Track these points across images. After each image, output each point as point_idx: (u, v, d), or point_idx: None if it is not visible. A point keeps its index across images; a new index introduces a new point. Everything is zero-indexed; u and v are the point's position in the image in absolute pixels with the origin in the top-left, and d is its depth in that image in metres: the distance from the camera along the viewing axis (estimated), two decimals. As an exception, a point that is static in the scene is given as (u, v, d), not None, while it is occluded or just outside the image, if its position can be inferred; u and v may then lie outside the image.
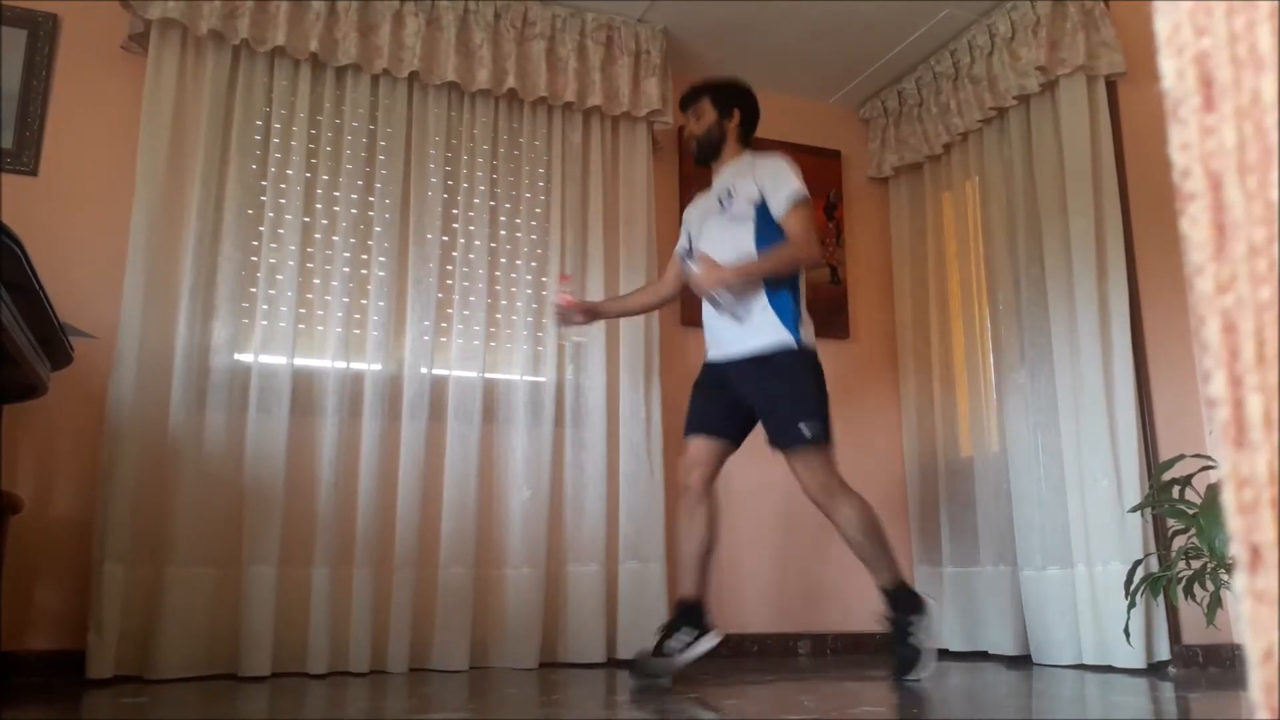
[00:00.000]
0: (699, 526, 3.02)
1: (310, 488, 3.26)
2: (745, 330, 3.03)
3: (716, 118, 3.25)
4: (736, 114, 3.27)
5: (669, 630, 2.96)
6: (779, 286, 3.03)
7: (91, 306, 3.14)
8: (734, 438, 3.13)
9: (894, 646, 2.96)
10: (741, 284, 2.98)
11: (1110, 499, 3.24)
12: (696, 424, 3.13)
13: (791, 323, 3.01)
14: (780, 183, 3.07)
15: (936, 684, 2.95)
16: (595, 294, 3.77)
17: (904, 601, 2.96)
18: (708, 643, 2.96)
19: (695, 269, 2.98)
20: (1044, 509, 3.52)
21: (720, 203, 3.14)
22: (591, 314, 3.35)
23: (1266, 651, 0.39)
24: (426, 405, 3.45)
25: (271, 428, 3.23)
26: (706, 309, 3.16)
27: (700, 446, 3.09)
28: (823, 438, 2.95)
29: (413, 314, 3.50)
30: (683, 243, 3.35)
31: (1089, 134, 3.50)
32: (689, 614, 2.98)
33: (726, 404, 3.09)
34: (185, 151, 3.32)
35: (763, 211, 3.07)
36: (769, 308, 3.00)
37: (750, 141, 3.31)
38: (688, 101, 3.32)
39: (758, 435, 3.09)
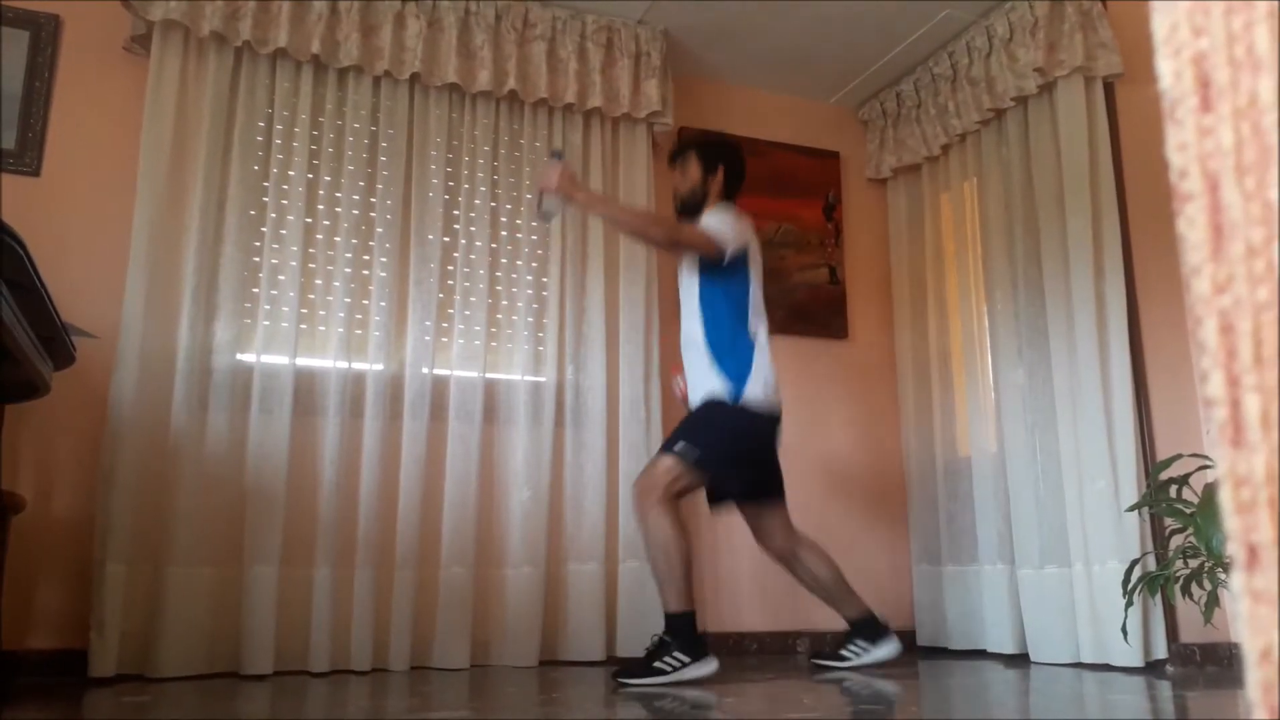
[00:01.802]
0: (813, 563, 3.22)
1: (312, 488, 3.26)
2: (699, 383, 3.12)
3: (701, 175, 3.28)
4: (721, 171, 3.28)
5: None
6: (728, 359, 3.07)
7: (93, 306, 3.14)
8: (736, 495, 3.27)
9: (644, 658, 2.88)
10: (581, 202, 3.06)
11: (1108, 498, 3.25)
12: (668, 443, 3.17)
13: (735, 378, 3.05)
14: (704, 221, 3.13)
15: (935, 682, 2.95)
16: (595, 295, 3.77)
17: (679, 627, 2.89)
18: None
19: (552, 171, 3.02)
20: (1042, 508, 3.52)
21: (688, 263, 3.21)
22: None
23: (1264, 650, 0.40)
24: (427, 405, 3.45)
25: (273, 428, 3.23)
26: (681, 346, 3.23)
27: (742, 511, 3.29)
28: (688, 457, 2.95)
29: (414, 314, 3.50)
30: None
31: (1087, 135, 3.51)
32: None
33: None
34: (187, 152, 3.32)
35: (706, 270, 3.12)
36: (717, 369, 3.07)
37: (734, 199, 3.33)
38: (675, 156, 3.36)
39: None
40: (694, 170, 3.28)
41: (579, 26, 3.91)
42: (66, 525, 3.06)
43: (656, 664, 2.84)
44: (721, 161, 3.29)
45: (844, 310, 4.42)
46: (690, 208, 3.26)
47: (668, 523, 2.91)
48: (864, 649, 3.21)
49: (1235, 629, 3.07)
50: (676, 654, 2.85)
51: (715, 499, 3.31)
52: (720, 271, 3.11)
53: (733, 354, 3.07)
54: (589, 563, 3.55)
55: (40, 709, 2.30)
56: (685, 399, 3.28)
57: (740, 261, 3.12)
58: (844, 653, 3.24)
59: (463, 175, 3.71)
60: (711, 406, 3.06)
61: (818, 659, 3.34)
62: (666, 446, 3.02)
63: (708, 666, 2.89)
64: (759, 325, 3.14)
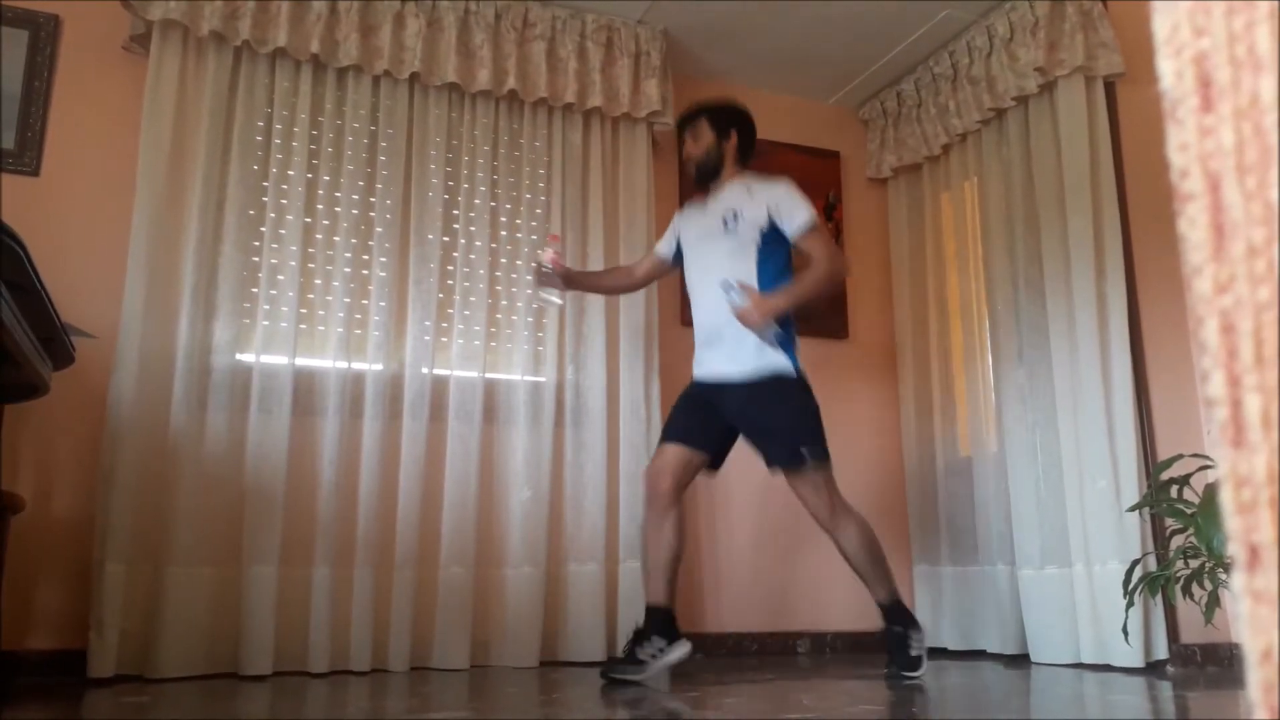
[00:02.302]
0: (669, 535, 3.01)
1: (311, 488, 3.26)
2: (741, 356, 3.03)
3: (715, 139, 3.24)
4: (734, 135, 3.26)
5: (639, 638, 2.95)
6: (786, 333, 3.07)
7: (93, 306, 3.14)
8: (711, 456, 3.14)
9: (895, 655, 2.99)
10: (785, 310, 3.01)
11: (1108, 498, 3.25)
12: (675, 432, 3.12)
13: (788, 349, 3.05)
14: (794, 208, 3.09)
15: (936, 683, 2.95)
16: (595, 298, 3.77)
17: (900, 616, 3.02)
18: (678, 652, 2.95)
19: (740, 301, 2.96)
20: (1042, 508, 3.52)
21: (724, 224, 3.11)
22: (568, 279, 3.30)
23: (1265, 651, 0.40)
24: (427, 405, 3.45)
25: (272, 428, 3.23)
26: (699, 321, 3.16)
27: (675, 454, 3.08)
28: (823, 459, 2.98)
29: (413, 314, 3.50)
30: (667, 246, 3.36)
31: (1087, 135, 3.51)
32: (660, 623, 2.96)
33: (709, 423, 3.11)
34: (186, 152, 3.32)
35: (767, 237, 3.09)
36: (768, 345, 3.02)
37: (748, 161, 3.30)
38: (685, 123, 3.32)
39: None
40: (706, 135, 3.24)
41: (579, 26, 3.91)
42: (66, 525, 3.06)
43: (911, 652, 2.96)
44: (734, 125, 3.27)
45: (844, 310, 4.42)
46: (705, 173, 3.23)
47: (856, 525, 2.98)
48: (661, 644, 2.94)
49: (1236, 629, 3.07)
50: (910, 632, 2.99)
51: (676, 438, 3.11)
52: (778, 239, 3.10)
53: (786, 324, 3.06)
54: (589, 563, 3.55)
55: (39, 709, 2.30)
56: (551, 266, 3.19)
57: (780, 231, 3.12)
58: (640, 655, 2.92)
59: (462, 175, 3.71)
60: (786, 388, 3.02)
61: (609, 671, 2.96)
62: (783, 454, 2.98)
63: (922, 630, 3.02)
64: None
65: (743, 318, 2.97)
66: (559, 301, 3.33)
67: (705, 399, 3.12)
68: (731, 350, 3.05)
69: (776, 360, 3.01)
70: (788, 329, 3.08)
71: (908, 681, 2.87)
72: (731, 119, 3.28)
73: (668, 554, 3.01)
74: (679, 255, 3.31)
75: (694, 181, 3.32)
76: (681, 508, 3.07)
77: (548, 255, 3.23)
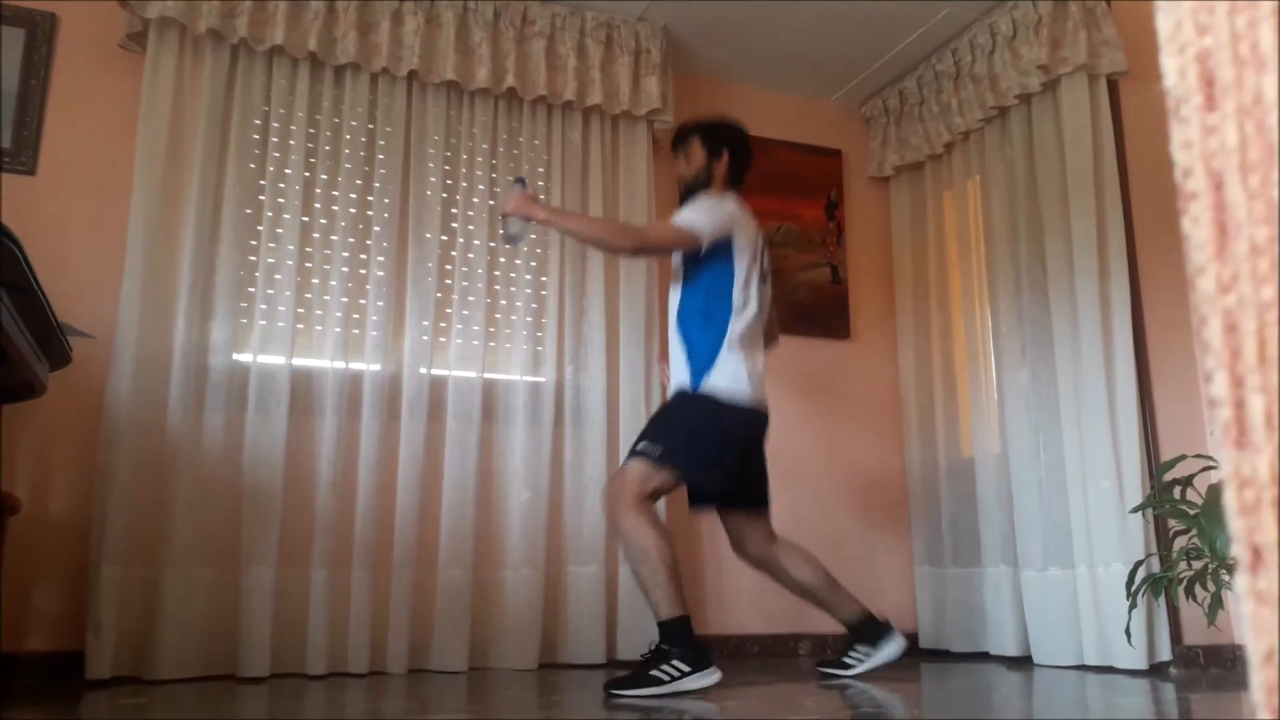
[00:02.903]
0: (799, 565, 3.11)
1: (309, 488, 3.25)
2: (677, 374, 3.03)
3: (705, 159, 3.15)
4: (726, 155, 3.16)
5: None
6: (694, 342, 2.99)
7: (90, 306, 3.13)
8: (713, 497, 3.16)
9: (641, 667, 2.72)
10: (542, 220, 2.94)
11: (1111, 499, 3.24)
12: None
13: (698, 369, 2.95)
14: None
15: (938, 685, 2.95)
16: (595, 294, 3.76)
17: (673, 636, 2.73)
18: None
19: (519, 189, 2.97)
20: (1045, 509, 3.51)
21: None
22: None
23: (1268, 652, 0.39)
24: (425, 405, 3.44)
25: (270, 428, 3.23)
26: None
27: (720, 515, 3.19)
28: (653, 455, 2.83)
29: (412, 314, 3.50)
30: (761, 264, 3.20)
31: (1090, 133, 3.50)
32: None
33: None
34: (183, 151, 3.31)
35: (700, 262, 3.01)
36: (688, 360, 2.98)
37: (739, 185, 3.21)
38: (678, 142, 3.23)
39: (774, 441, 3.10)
40: (697, 155, 3.15)
41: (578, 23, 3.90)
42: (62, 526, 3.06)
43: (653, 672, 2.65)
44: (726, 145, 3.16)
45: (846, 310, 4.42)
46: (695, 192, 3.12)
47: (642, 524, 2.76)
48: (866, 653, 3.07)
49: (1239, 631, 3.07)
50: (675, 663, 2.67)
51: (694, 500, 3.17)
52: (701, 258, 2.99)
53: (700, 342, 2.96)
54: (589, 564, 3.54)
55: (36, 711, 2.29)
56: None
57: (723, 248, 2.98)
58: (847, 659, 3.09)
59: (461, 173, 3.70)
60: (674, 398, 3.00)
61: (823, 666, 3.17)
62: (632, 448, 2.92)
63: (710, 677, 2.70)
64: (740, 314, 2.97)
65: (503, 205, 2.98)
66: (521, 235, 3.21)
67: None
68: (674, 366, 3.07)
69: (682, 374, 2.99)
70: (700, 352, 2.96)
71: (621, 699, 2.59)
72: (724, 139, 3.18)
73: (816, 578, 3.11)
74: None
75: (682, 202, 3.18)
76: (777, 539, 3.15)
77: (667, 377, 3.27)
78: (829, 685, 2.91)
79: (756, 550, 3.12)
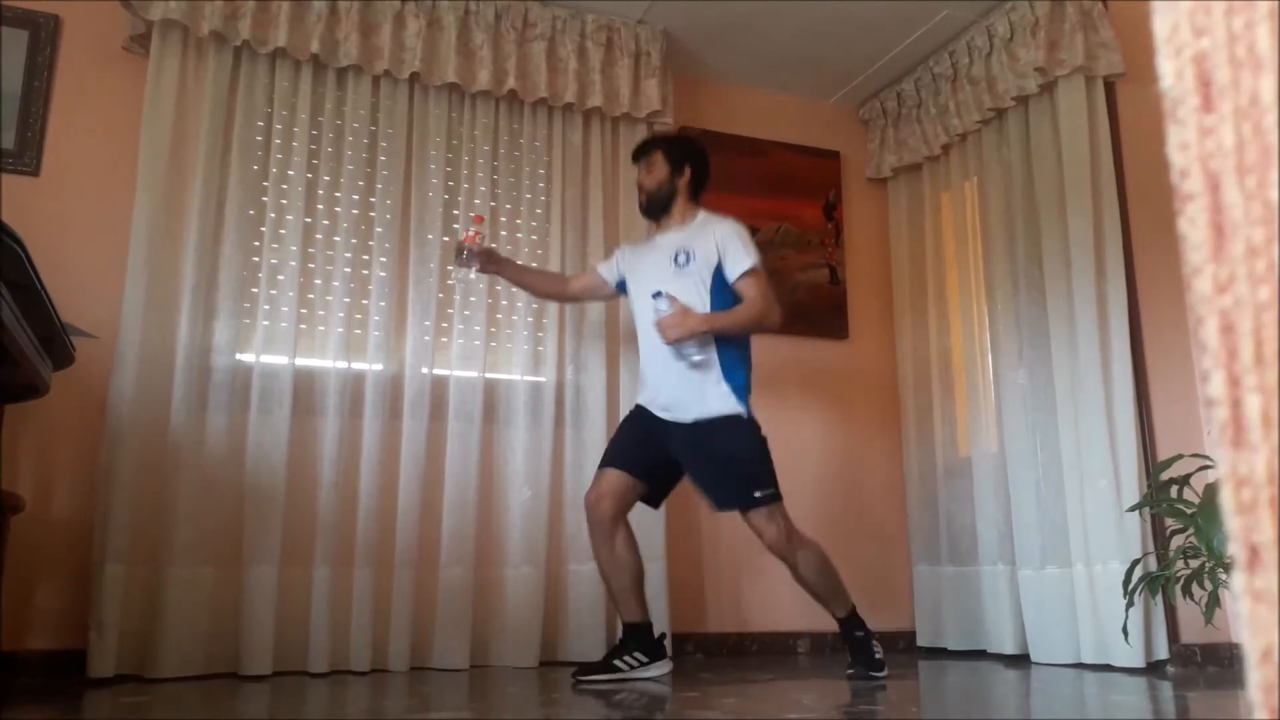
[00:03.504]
0: (624, 556, 3.04)
1: (311, 488, 3.26)
2: (696, 397, 3.02)
3: (668, 173, 3.23)
4: (688, 170, 3.24)
5: (620, 650, 3.00)
6: (734, 359, 3.04)
7: (93, 306, 3.14)
8: (651, 486, 3.14)
9: (860, 657, 3.03)
10: (706, 333, 2.98)
11: (1109, 498, 3.25)
12: (617, 458, 3.12)
13: (742, 395, 3.02)
14: (738, 252, 3.07)
15: (936, 683, 2.95)
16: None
17: (860, 623, 3.07)
18: (658, 669, 3.04)
19: (666, 309, 2.96)
20: (1043, 508, 3.52)
21: (675, 261, 3.11)
22: (491, 262, 3.25)
23: (1265, 651, 0.40)
24: (427, 405, 3.45)
25: (272, 428, 3.23)
26: (646, 355, 3.13)
27: (616, 479, 3.08)
28: (776, 498, 2.97)
29: (413, 314, 3.50)
30: (610, 272, 3.35)
31: (1088, 135, 3.51)
32: (641, 639, 3.03)
33: (653, 454, 3.10)
34: (186, 152, 3.32)
35: (718, 277, 3.08)
36: (723, 380, 3.01)
37: (700, 199, 3.28)
38: (640, 154, 3.32)
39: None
40: (660, 169, 3.23)
41: (579, 26, 3.91)
42: (65, 525, 3.06)
43: (876, 655, 3.01)
44: (688, 161, 3.25)
45: (844, 310, 4.42)
46: (656, 206, 3.23)
47: (811, 551, 3.00)
48: (639, 660, 3.01)
49: (1236, 629, 3.07)
50: (871, 638, 3.04)
51: (618, 463, 3.12)
52: (724, 285, 3.08)
53: (737, 367, 3.05)
54: (589, 563, 3.53)
55: (39, 710, 2.30)
56: (465, 251, 3.15)
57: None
58: (617, 663, 2.99)
59: (462, 175, 3.71)
60: (739, 429, 3.00)
61: (582, 673, 2.97)
62: (750, 500, 2.95)
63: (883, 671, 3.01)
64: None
65: (663, 327, 2.96)
66: (469, 278, 3.30)
67: (650, 430, 3.11)
68: (680, 388, 3.04)
69: (728, 404, 3.00)
70: (738, 375, 3.04)
71: (875, 681, 2.91)
72: (686, 154, 3.26)
73: (628, 577, 3.04)
74: (623, 285, 3.31)
75: (643, 213, 3.32)
76: (627, 526, 3.09)
77: (467, 235, 3.20)
78: (584, 690, 2.79)
79: (617, 510, 3.07)
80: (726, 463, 3.00)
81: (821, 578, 3.01)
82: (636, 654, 2.99)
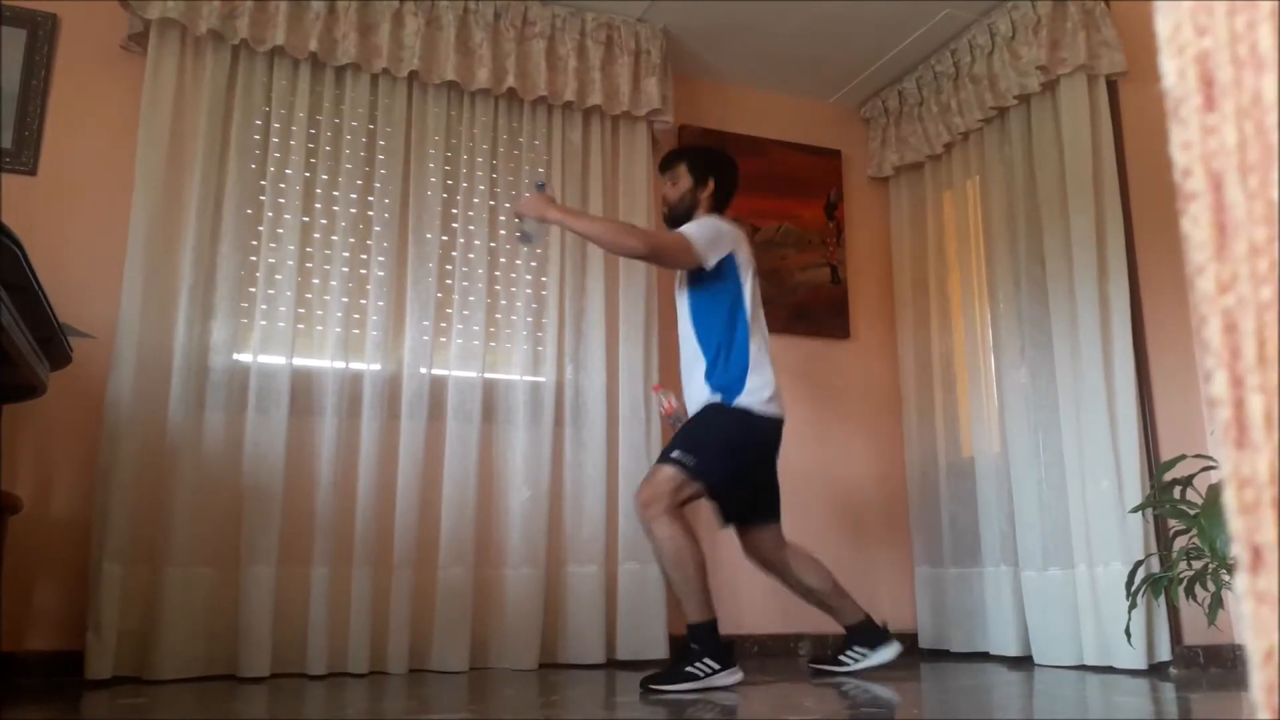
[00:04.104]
0: (806, 570, 3.19)
1: (309, 488, 3.25)
2: (693, 393, 3.13)
3: (691, 185, 3.23)
4: (711, 183, 3.23)
5: (843, 645, 3.22)
6: (720, 363, 3.06)
7: (90, 306, 3.14)
8: (732, 512, 3.24)
9: (673, 665, 2.87)
10: (557, 220, 3.05)
11: (1111, 499, 3.24)
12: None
13: (730, 387, 3.03)
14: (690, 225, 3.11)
15: (938, 685, 2.95)
16: (595, 294, 3.76)
17: (703, 637, 2.86)
18: (885, 652, 3.18)
19: (527, 197, 3.10)
20: (1045, 509, 3.51)
21: (679, 278, 3.22)
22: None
23: (1268, 652, 0.39)
24: (426, 405, 3.44)
25: (270, 428, 3.23)
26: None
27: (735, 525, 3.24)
28: (688, 465, 2.91)
29: (412, 314, 3.50)
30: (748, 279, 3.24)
31: (1090, 133, 3.50)
32: (861, 633, 3.21)
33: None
34: (184, 151, 3.31)
35: (692, 278, 3.13)
36: (705, 384, 3.07)
37: (724, 211, 3.28)
38: (665, 165, 3.33)
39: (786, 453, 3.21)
40: (684, 180, 3.23)
41: (578, 24, 3.91)
42: (64, 526, 3.06)
43: (688, 669, 2.80)
44: (712, 174, 3.24)
45: (846, 310, 4.42)
46: (678, 217, 3.22)
47: (676, 531, 2.86)
48: (862, 654, 3.18)
49: (1239, 631, 3.07)
50: (707, 660, 2.83)
51: (727, 518, 3.24)
52: (708, 280, 3.09)
53: (726, 362, 3.05)
54: (589, 564, 3.54)
55: (37, 710, 2.29)
56: (669, 416, 3.28)
57: (728, 270, 3.09)
58: (843, 658, 3.20)
59: (461, 173, 3.70)
60: (708, 410, 3.05)
61: (816, 664, 3.33)
62: (664, 454, 3.00)
63: (734, 675, 2.86)
64: (754, 333, 3.10)
65: (523, 205, 3.11)
66: (536, 235, 3.27)
67: None
68: (687, 387, 3.16)
69: (713, 392, 3.05)
70: (724, 377, 3.04)
71: (655, 694, 2.69)
72: (711, 166, 3.26)
73: (822, 583, 3.19)
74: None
75: (665, 224, 3.32)
76: (787, 545, 3.22)
77: (667, 408, 3.33)
78: (821, 682, 2.97)
79: (767, 555, 3.21)
80: (683, 429, 3.07)
81: (673, 571, 2.88)
82: (708, 660, 2.85)
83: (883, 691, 2.74)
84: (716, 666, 2.83)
